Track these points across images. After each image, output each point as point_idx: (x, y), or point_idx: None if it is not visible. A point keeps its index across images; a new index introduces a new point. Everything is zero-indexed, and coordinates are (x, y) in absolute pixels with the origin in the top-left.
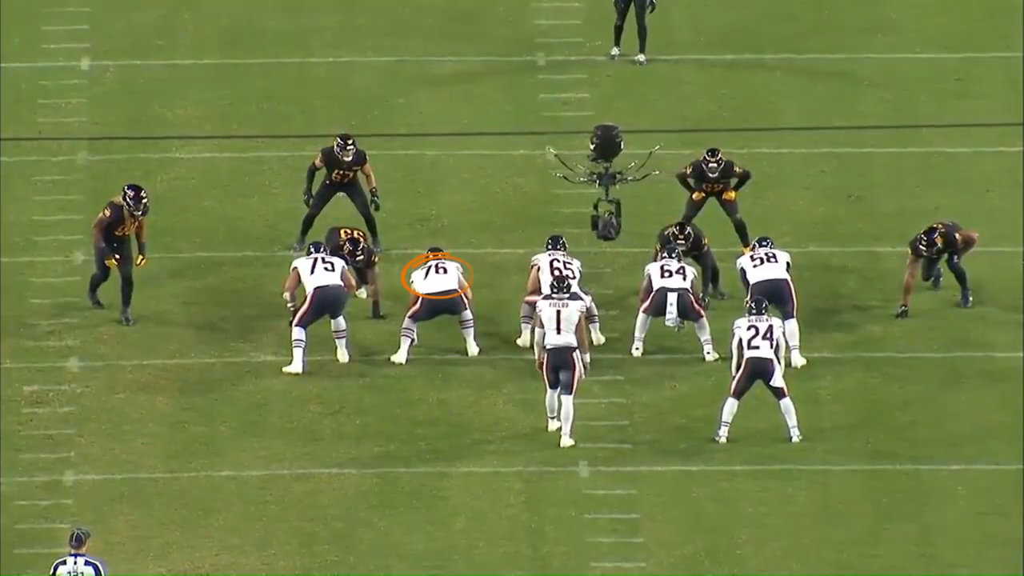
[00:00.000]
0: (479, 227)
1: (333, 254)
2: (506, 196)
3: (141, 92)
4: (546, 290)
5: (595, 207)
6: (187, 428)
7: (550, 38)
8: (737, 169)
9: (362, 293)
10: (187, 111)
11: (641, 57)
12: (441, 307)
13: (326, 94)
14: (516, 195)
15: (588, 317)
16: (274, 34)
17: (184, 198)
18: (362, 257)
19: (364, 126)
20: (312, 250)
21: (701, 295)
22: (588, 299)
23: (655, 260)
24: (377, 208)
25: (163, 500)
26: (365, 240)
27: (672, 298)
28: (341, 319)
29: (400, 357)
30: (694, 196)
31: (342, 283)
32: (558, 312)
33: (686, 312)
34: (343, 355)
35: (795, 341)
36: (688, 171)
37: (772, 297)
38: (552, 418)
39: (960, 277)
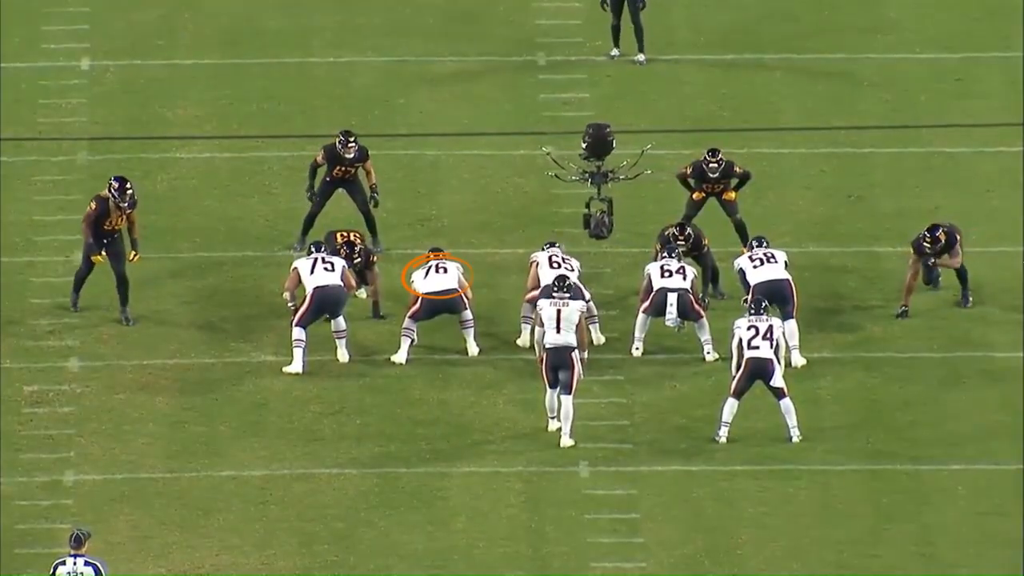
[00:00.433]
0: (479, 227)
1: (333, 255)
2: (506, 196)
3: (141, 92)
4: (546, 282)
5: (587, 205)
6: (187, 428)
7: (550, 38)
8: (737, 169)
9: (362, 293)
10: (187, 111)
11: (641, 57)
12: (441, 307)
13: (326, 94)
14: (516, 195)
15: (588, 317)
16: (274, 34)
17: (184, 198)
18: (359, 259)
19: (364, 126)
20: (312, 250)
21: (701, 295)
22: (587, 295)
23: (655, 260)
24: (376, 205)
25: (163, 500)
26: (362, 241)
27: (672, 298)
28: (341, 319)
29: (400, 357)
30: (694, 196)
31: (342, 283)
32: (558, 311)
33: (686, 312)
34: (343, 355)
35: (795, 341)
36: (688, 171)
37: (774, 297)
38: (552, 418)
39: (961, 277)
